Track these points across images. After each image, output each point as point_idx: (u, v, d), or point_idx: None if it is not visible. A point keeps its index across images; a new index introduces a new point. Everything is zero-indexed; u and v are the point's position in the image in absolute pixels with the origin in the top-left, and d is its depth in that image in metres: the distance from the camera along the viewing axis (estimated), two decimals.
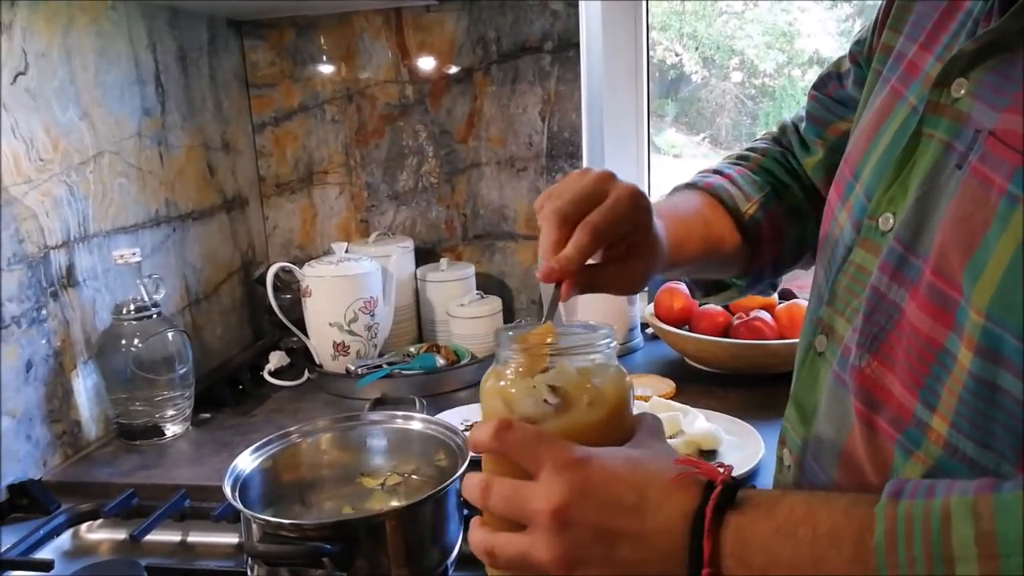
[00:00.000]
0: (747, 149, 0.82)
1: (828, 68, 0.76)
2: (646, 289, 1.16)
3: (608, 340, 0.55)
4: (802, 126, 0.79)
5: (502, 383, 0.54)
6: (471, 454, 0.78)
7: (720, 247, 0.73)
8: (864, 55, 0.69)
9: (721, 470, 0.47)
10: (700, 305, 1.29)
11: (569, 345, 0.54)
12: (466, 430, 1.04)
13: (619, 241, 0.60)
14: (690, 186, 0.78)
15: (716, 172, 0.78)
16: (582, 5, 1.41)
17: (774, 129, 0.84)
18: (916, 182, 0.50)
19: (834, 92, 0.75)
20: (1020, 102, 0.44)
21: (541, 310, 1.40)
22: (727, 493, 0.45)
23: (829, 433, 0.54)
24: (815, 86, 0.77)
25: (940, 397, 0.45)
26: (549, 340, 0.55)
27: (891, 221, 0.51)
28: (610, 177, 0.60)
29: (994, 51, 0.47)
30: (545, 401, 0.52)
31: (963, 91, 0.48)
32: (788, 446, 0.61)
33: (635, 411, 0.56)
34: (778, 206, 0.76)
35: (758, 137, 0.86)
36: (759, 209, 0.75)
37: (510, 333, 0.56)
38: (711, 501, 0.45)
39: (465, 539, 0.78)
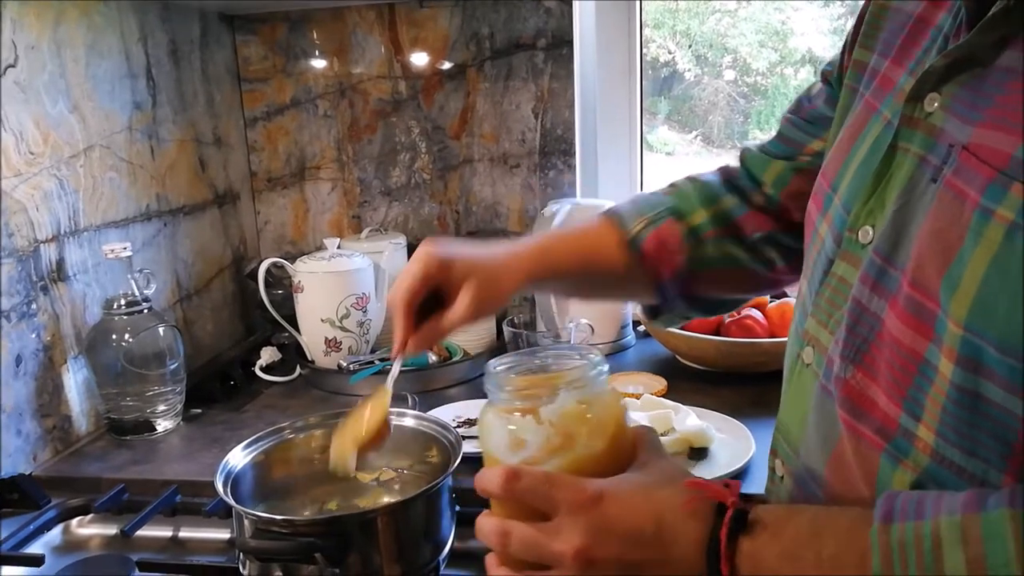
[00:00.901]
0: (688, 176, 0.85)
1: (801, 94, 0.77)
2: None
3: (601, 368, 0.55)
4: (767, 142, 0.80)
5: (501, 422, 0.54)
6: (463, 451, 0.78)
7: (596, 259, 0.78)
8: (835, 74, 0.70)
9: (727, 487, 0.49)
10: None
11: (565, 381, 0.54)
12: (458, 426, 1.04)
13: (437, 292, 0.69)
14: (604, 213, 0.82)
15: (643, 194, 0.84)
16: (575, 2, 1.41)
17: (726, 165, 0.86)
18: (893, 195, 0.51)
19: (806, 114, 0.76)
20: (992, 117, 0.45)
21: (533, 308, 1.41)
22: (738, 518, 0.47)
23: (818, 443, 0.55)
24: (790, 110, 0.78)
25: (924, 407, 0.46)
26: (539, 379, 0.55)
27: (870, 234, 0.52)
28: (412, 257, 0.70)
29: (965, 66, 0.48)
30: (547, 439, 0.52)
31: (936, 105, 0.49)
32: (780, 456, 0.61)
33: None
34: (673, 226, 0.78)
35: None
36: (646, 227, 0.77)
37: (501, 370, 0.56)
38: (724, 526, 0.47)
39: (458, 536, 0.79)
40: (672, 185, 0.84)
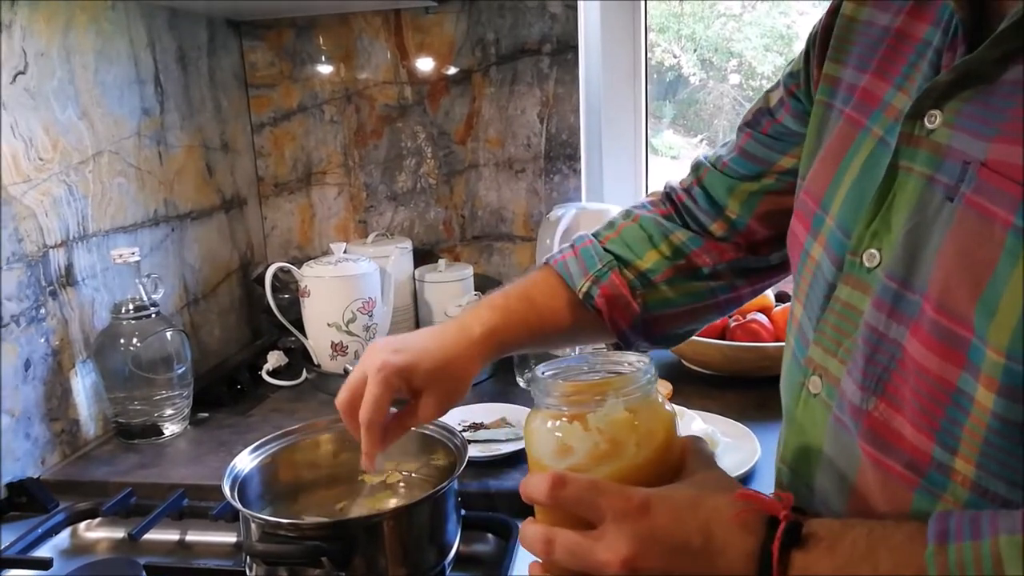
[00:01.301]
0: (624, 211, 0.84)
1: (757, 104, 0.74)
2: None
3: (651, 375, 0.54)
4: (728, 159, 0.76)
5: (548, 428, 0.53)
6: (469, 455, 0.78)
7: (547, 325, 0.78)
8: (802, 87, 0.67)
9: (780, 500, 0.47)
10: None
11: (614, 387, 0.53)
12: (464, 431, 1.05)
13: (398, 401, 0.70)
14: (546, 263, 0.81)
15: (581, 239, 0.81)
16: (581, 7, 1.42)
17: (673, 182, 0.83)
18: (902, 217, 0.49)
19: (769, 128, 0.72)
20: (1010, 132, 0.44)
21: None
22: (791, 531, 0.45)
23: (836, 474, 0.53)
24: (749, 124, 0.74)
25: (960, 439, 0.44)
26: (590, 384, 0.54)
27: (877, 257, 0.51)
28: (370, 378, 0.68)
29: (970, 81, 0.47)
30: (595, 446, 0.51)
31: (938, 122, 0.48)
32: (786, 488, 0.59)
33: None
34: (619, 278, 0.77)
35: (647, 196, 0.86)
36: (593, 284, 0.77)
37: (548, 375, 0.55)
38: (776, 539, 0.45)
39: (463, 540, 0.79)
40: (611, 226, 0.81)
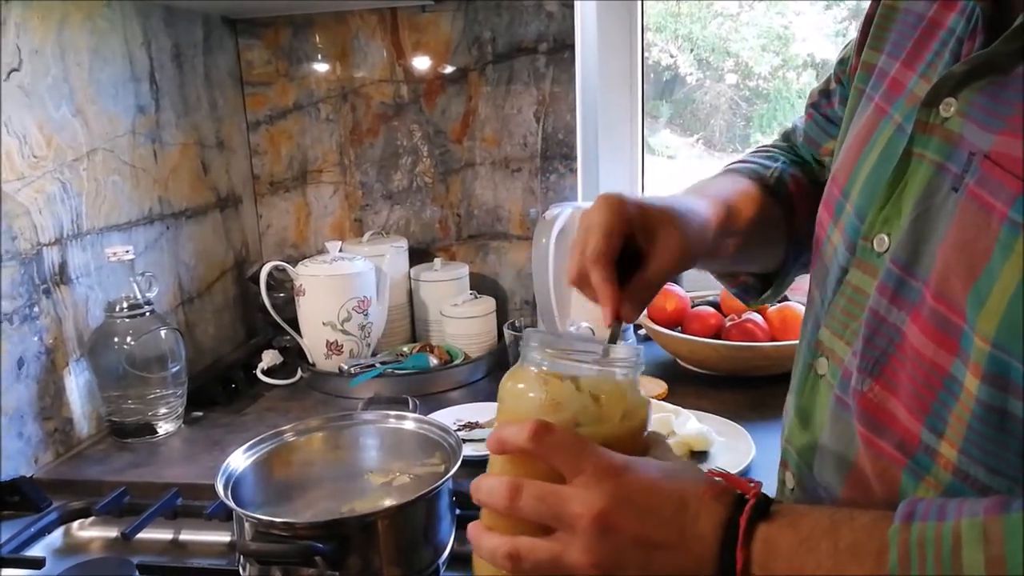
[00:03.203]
0: (756, 148, 0.83)
1: (821, 86, 0.76)
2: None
3: (639, 359, 0.54)
4: (800, 139, 0.79)
5: (537, 384, 0.53)
6: (463, 455, 0.78)
7: (763, 209, 0.70)
8: (847, 74, 0.68)
9: (751, 484, 0.48)
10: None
11: (612, 356, 0.53)
12: (459, 430, 1.04)
13: (633, 243, 0.58)
14: (715, 176, 0.76)
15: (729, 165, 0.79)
16: (577, 6, 1.41)
17: (777, 138, 0.84)
18: (910, 203, 0.50)
19: (827, 111, 0.75)
20: (1014, 125, 0.44)
21: (534, 311, 1.41)
22: (760, 505, 0.46)
23: (835, 454, 0.54)
24: (813, 105, 0.76)
25: (947, 423, 0.45)
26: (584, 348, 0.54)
27: (886, 242, 0.51)
28: (593, 208, 0.58)
29: (984, 72, 0.47)
30: (584, 408, 0.51)
31: (952, 110, 0.48)
32: (790, 469, 0.60)
33: None
34: (798, 169, 0.76)
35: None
36: (781, 171, 0.74)
37: (541, 334, 0.55)
38: (745, 512, 0.46)
39: (458, 539, 0.79)
40: (754, 151, 0.80)
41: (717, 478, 0.49)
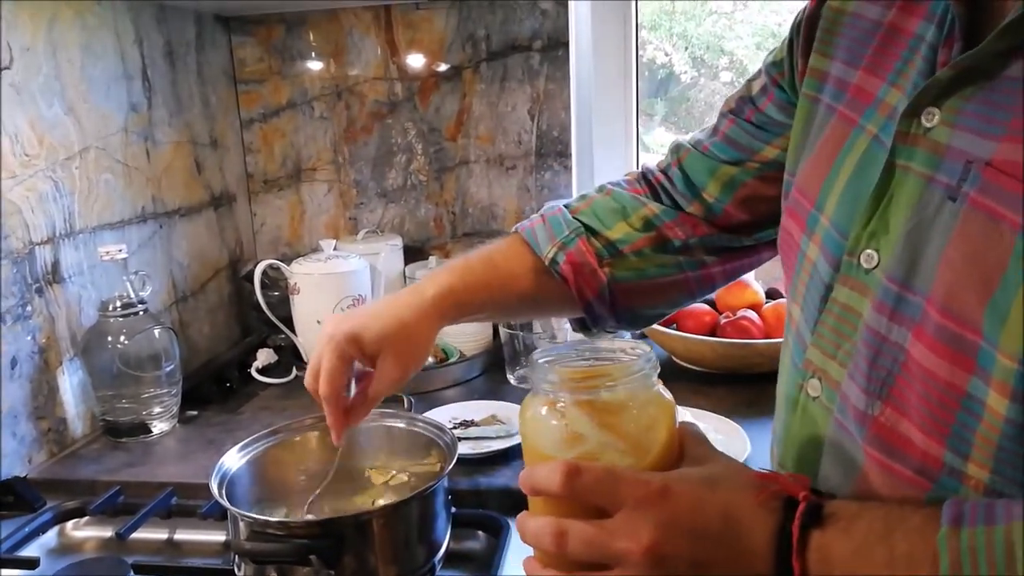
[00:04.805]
0: (599, 187, 0.82)
1: (740, 92, 0.73)
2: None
3: (652, 360, 0.52)
4: (709, 144, 0.76)
5: (552, 416, 0.51)
6: (459, 453, 0.78)
7: (508, 289, 0.77)
8: (786, 77, 0.66)
9: (796, 481, 0.46)
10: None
11: (621, 372, 0.51)
12: (454, 428, 1.04)
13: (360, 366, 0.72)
14: (515, 231, 0.80)
15: (551, 208, 0.80)
16: (572, 4, 1.41)
17: (649, 164, 0.82)
18: (901, 217, 0.48)
19: (752, 117, 0.72)
20: (1016, 131, 0.43)
21: None
22: (811, 512, 0.45)
23: (837, 481, 0.53)
24: (733, 111, 0.74)
25: (972, 444, 0.44)
26: (592, 370, 0.52)
27: (875, 258, 0.50)
28: (323, 350, 0.70)
29: (971, 78, 0.46)
30: (603, 433, 0.49)
31: (936, 120, 0.47)
32: None
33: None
34: (586, 245, 0.76)
35: (624, 176, 0.84)
36: (560, 250, 0.75)
37: (547, 362, 0.53)
38: (796, 519, 0.44)
39: (453, 537, 0.79)
40: (583, 198, 0.80)
41: (767, 482, 0.47)
